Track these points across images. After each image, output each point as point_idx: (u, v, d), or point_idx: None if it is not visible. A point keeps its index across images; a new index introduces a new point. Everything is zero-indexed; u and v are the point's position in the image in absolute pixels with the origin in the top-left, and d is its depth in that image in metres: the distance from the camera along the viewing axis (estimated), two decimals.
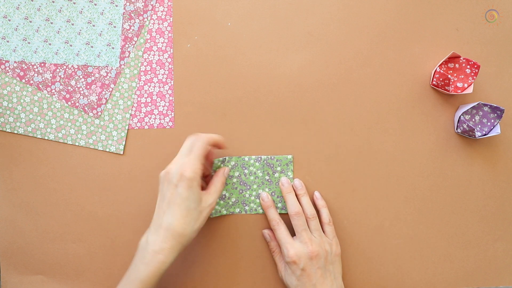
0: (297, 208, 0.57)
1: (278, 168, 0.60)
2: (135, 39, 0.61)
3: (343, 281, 0.59)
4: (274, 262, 0.59)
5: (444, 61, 0.60)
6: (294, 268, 0.54)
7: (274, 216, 0.58)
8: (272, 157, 0.60)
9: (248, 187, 0.60)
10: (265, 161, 0.60)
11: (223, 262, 0.60)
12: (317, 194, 0.60)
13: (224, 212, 0.60)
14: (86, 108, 0.61)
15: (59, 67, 0.61)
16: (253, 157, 0.60)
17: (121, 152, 0.61)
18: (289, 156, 0.60)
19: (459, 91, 0.60)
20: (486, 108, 0.60)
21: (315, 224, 0.57)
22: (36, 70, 0.61)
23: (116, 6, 0.62)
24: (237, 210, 0.60)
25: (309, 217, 0.57)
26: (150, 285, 0.50)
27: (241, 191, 0.60)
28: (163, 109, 0.61)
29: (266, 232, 0.60)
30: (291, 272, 0.55)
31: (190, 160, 0.51)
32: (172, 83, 0.61)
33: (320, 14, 0.62)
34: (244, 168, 0.60)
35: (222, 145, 0.56)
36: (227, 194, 0.60)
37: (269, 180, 0.60)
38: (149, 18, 0.62)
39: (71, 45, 0.61)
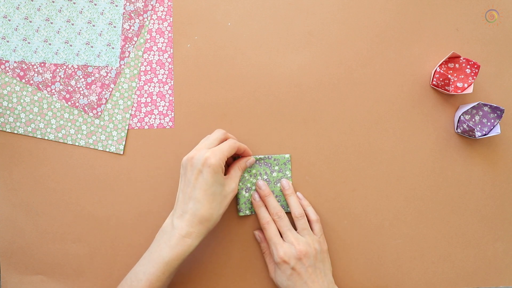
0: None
1: (276, 168, 0.60)
2: (135, 39, 0.61)
3: (343, 280, 0.59)
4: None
5: (444, 61, 0.60)
6: (284, 268, 0.54)
7: (264, 214, 0.57)
8: (270, 157, 0.60)
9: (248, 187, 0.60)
10: (262, 161, 0.60)
11: (221, 263, 0.60)
12: (299, 195, 0.60)
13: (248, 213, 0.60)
14: (86, 108, 0.61)
15: (59, 67, 0.61)
16: (256, 156, 0.60)
17: (121, 152, 0.61)
18: (287, 155, 0.60)
19: (459, 91, 0.60)
20: (486, 108, 0.60)
21: (303, 223, 0.57)
22: (36, 70, 0.61)
23: (116, 6, 0.62)
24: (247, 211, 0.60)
25: (297, 216, 0.57)
26: (173, 267, 0.50)
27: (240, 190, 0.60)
28: (163, 109, 0.61)
29: (257, 233, 0.59)
30: (281, 272, 0.54)
31: (216, 150, 0.52)
32: (172, 83, 0.61)
33: (320, 14, 0.62)
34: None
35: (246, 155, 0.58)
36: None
37: (267, 180, 0.60)
38: (149, 18, 0.62)
39: (71, 45, 0.61)
